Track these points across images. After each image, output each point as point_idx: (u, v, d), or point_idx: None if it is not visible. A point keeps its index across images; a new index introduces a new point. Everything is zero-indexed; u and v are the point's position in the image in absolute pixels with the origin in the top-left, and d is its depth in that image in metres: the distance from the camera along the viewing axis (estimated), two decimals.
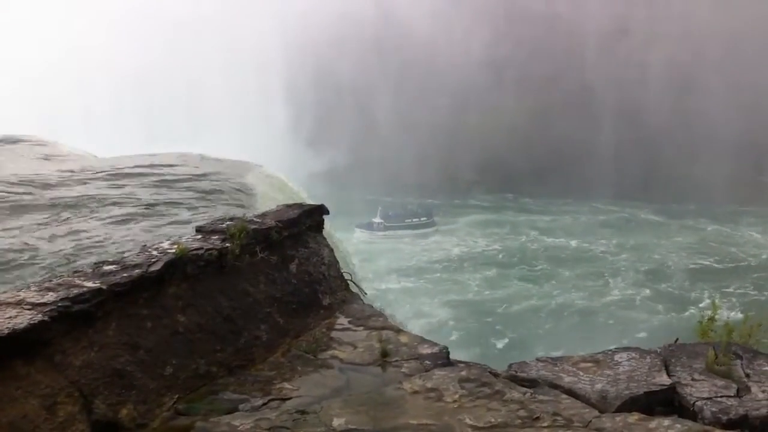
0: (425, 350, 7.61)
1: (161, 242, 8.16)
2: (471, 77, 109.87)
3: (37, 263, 12.05)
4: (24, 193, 16.10)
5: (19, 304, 6.31)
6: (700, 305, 60.33)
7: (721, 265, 76.60)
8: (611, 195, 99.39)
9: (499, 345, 56.63)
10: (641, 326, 59.09)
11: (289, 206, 9.67)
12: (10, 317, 6.02)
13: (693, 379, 6.62)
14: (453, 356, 7.59)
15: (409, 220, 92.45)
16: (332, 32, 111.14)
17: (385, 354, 7.45)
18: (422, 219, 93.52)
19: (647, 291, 68.47)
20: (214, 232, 8.42)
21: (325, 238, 9.54)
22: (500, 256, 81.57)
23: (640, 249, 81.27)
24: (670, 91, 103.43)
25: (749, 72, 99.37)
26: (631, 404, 6.35)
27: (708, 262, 77.69)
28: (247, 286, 8.04)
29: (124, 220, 14.46)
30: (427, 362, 7.35)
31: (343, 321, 8.49)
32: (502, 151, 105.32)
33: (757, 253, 79.29)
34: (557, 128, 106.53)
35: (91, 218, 14.59)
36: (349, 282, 9.31)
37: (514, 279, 73.35)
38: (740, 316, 8.65)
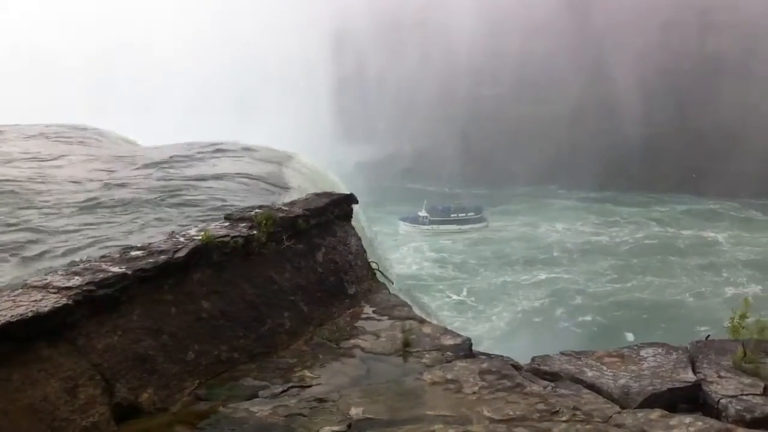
0: (448, 341, 7.56)
1: (189, 229, 8.24)
2: (520, 68, 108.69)
3: None
4: None
5: (45, 287, 6.43)
6: None
7: None
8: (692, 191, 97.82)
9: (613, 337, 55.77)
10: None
11: (318, 195, 9.68)
12: (35, 300, 6.14)
13: (719, 377, 6.46)
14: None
15: (456, 215, 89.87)
16: (375, 25, 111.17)
17: (407, 344, 7.42)
18: (470, 214, 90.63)
19: (759, 288, 68.28)
20: (241, 219, 8.47)
21: (353, 227, 9.52)
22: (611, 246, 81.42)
23: (752, 244, 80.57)
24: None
25: None
26: (653, 400, 6.21)
27: None
28: (272, 273, 8.07)
29: None
30: (449, 353, 7.30)
31: (367, 310, 8.47)
32: (558, 143, 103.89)
33: None
34: (612, 122, 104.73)
35: None
36: (375, 271, 9.28)
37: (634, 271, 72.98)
38: None
